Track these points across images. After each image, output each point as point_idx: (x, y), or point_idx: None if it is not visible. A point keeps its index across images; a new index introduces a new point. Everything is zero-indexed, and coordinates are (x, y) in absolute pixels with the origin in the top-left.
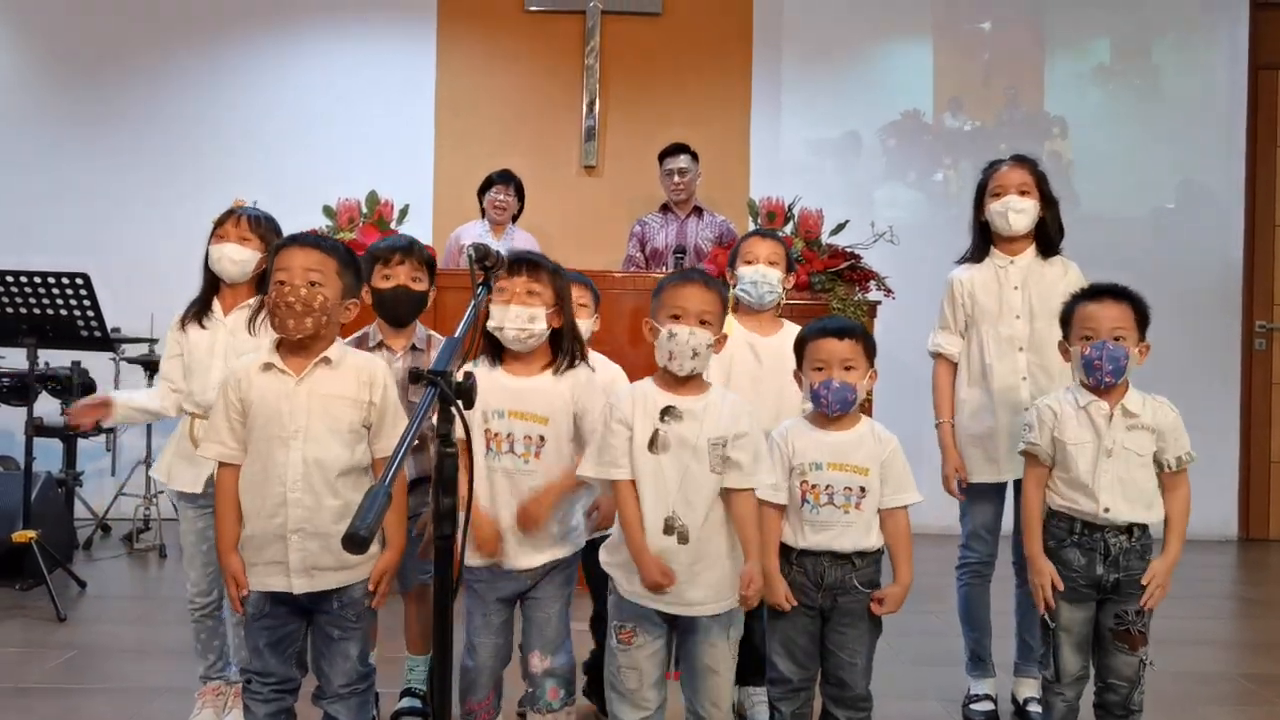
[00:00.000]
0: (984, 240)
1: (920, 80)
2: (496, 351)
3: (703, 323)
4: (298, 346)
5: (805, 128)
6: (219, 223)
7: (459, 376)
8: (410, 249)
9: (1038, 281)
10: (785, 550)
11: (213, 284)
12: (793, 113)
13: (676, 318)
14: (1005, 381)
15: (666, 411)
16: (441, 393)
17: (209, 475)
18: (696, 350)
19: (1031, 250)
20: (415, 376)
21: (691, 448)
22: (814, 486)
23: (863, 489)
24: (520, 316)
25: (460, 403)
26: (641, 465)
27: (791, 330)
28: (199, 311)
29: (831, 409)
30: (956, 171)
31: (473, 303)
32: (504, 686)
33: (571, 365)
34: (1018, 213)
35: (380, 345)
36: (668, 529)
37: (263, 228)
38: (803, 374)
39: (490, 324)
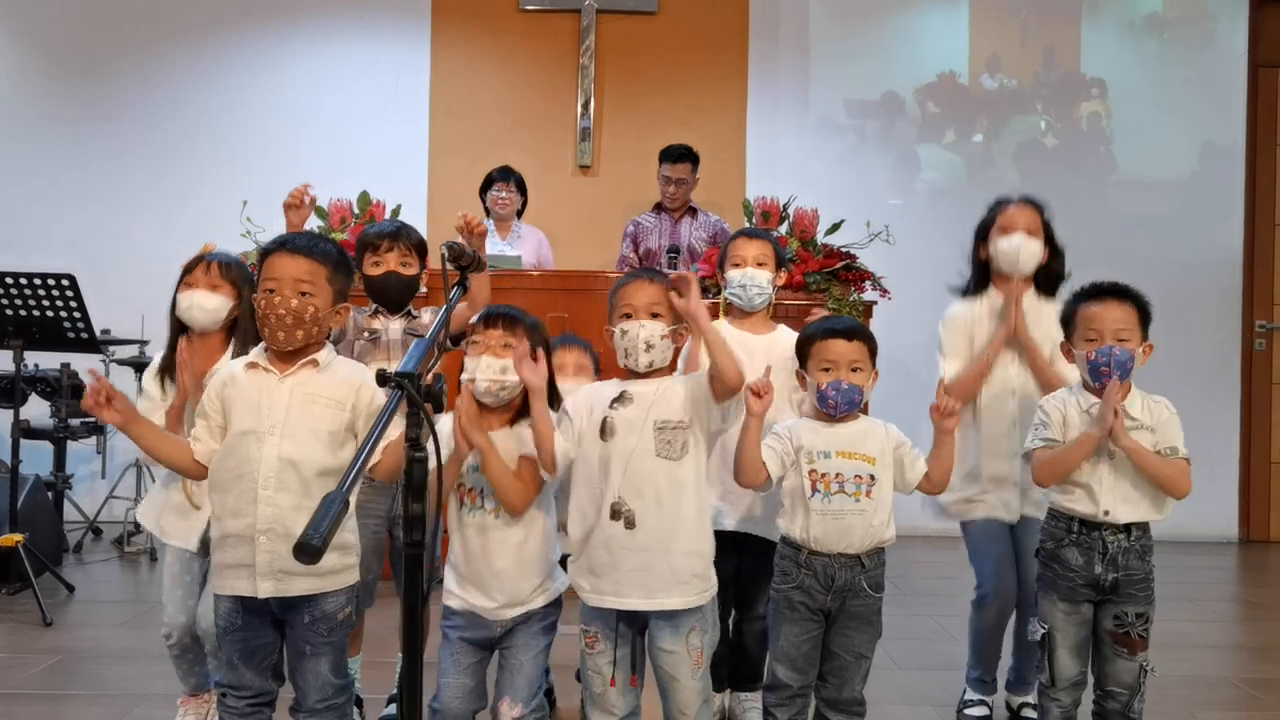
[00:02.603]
0: (982, 276)
1: (917, 76)
2: None
3: (653, 315)
4: (286, 352)
5: (802, 125)
6: (188, 269)
7: (428, 379)
8: (397, 234)
9: (1035, 324)
10: (795, 550)
11: (180, 332)
12: (789, 110)
13: (628, 315)
14: (993, 429)
15: (618, 398)
16: (409, 395)
17: (203, 530)
18: (649, 343)
19: (1031, 291)
20: (382, 379)
21: (637, 431)
22: (823, 475)
23: (872, 477)
24: (492, 367)
25: (429, 405)
26: (592, 453)
27: (785, 333)
28: (170, 365)
29: (839, 410)
30: (953, 167)
31: (445, 304)
32: None
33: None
34: (1029, 254)
35: (376, 313)
36: (614, 514)
37: (233, 273)
38: (807, 373)
39: (463, 375)
